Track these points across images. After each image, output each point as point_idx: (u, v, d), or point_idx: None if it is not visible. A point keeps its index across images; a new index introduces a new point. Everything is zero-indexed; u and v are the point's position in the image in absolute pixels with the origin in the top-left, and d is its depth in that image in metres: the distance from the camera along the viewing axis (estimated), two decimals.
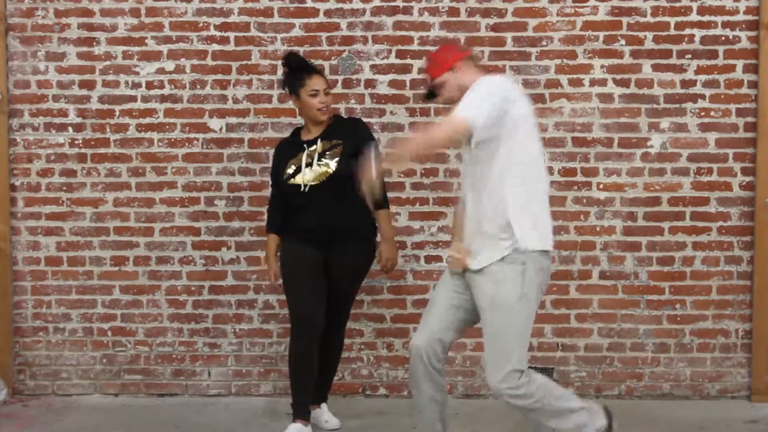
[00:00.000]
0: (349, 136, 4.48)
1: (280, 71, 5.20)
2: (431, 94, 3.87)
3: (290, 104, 5.22)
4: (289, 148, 4.59)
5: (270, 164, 5.22)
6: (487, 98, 3.57)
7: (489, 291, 3.66)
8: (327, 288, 4.53)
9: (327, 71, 5.19)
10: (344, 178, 4.34)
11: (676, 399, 5.20)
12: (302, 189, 4.45)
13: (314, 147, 4.49)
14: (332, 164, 4.44)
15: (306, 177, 4.45)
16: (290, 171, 4.51)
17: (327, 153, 4.47)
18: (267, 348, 5.31)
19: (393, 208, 4.96)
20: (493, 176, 3.65)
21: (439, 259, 5.21)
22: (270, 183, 4.71)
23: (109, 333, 5.32)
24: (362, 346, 5.27)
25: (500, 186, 3.65)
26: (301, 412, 4.59)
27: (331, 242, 4.47)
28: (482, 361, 4.05)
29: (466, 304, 3.81)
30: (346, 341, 5.06)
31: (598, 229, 5.20)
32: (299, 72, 4.52)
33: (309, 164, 4.46)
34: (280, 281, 4.59)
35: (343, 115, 5.06)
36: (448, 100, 3.80)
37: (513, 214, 3.64)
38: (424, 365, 3.78)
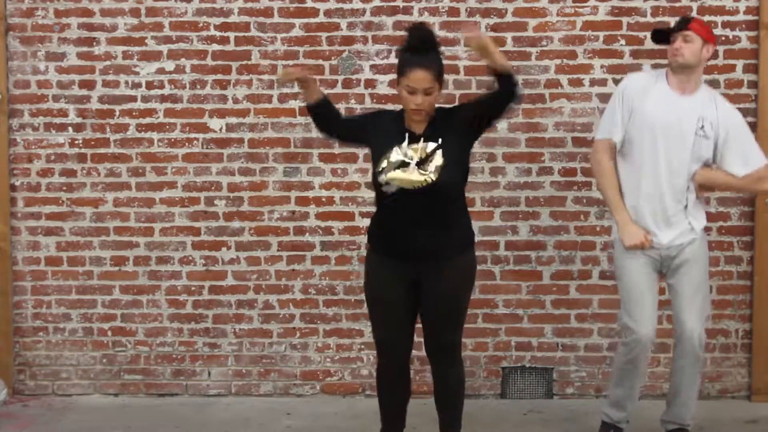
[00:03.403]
0: (454, 132, 3.87)
1: (280, 71, 5.21)
2: (662, 36, 4.29)
3: (290, 104, 5.23)
4: (391, 129, 3.91)
5: (270, 164, 5.25)
6: None
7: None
8: (417, 309, 4.01)
9: (327, 71, 5.20)
10: (448, 187, 3.84)
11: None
12: (391, 191, 3.85)
13: (416, 146, 3.85)
14: (432, 171, 3.80)
15: (400, 177, 3.81)
16: (384, 164, 3.84)
17: (429, 158, 3.83)
18: (267, 348, 5.31)
19: None
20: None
21: None
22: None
23: (109, 333, 5.32)
24: (362, 346, 5.27)
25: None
26: None
27: (420, 261, 3.90)
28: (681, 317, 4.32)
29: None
30: (346, 341, 5.08)
31: (598, 229, 5.20)
32: (410, 55, 3.84)
33: (405, 164, 3.82)
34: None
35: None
36: (679, 56, 4.20)
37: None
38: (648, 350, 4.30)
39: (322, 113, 4.07)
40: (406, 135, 3.86)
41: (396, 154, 3.83)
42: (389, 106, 5.17)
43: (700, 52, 4.26)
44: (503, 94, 3.80)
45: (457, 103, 4.62)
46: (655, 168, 4.24)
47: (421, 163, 3.81)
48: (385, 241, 3.96)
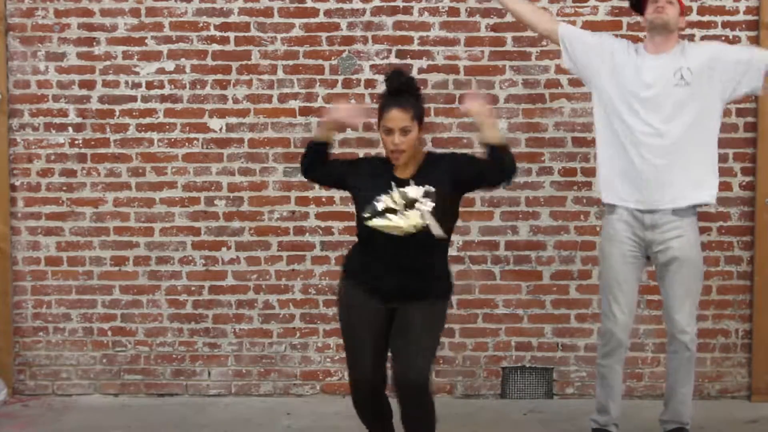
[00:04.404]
0: (446, 181, 3.79)
1: (280, 71, 5.22)
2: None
3: (290, 104, 5.24)
4: (378, 174, 3.84)
5: (270, 164, 5.25)
6: None
7: None
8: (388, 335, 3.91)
9: (327, 71, 5.20)
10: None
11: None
12: (379, 237, 3.73)
13: (403, 191, 3.74)
14: (425, 216, 3.69)
15: (387, 224, 3.69)
16: (370, 211, 3.74)
17: (419, 202, 3.72)
18: (267, 348, 5.31)
19: None
20: None
21: None
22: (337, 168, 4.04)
23: (109, 333, 5.32)
24: None
25: None
26: None
27: (402, 298, 3.84)
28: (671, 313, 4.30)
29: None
30: None
31: (598, 229, 5.19)
32: (386, 100, 3.83)
33: (392, 210, 3.71)
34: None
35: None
36: (663, 14, 4.14)
37: None
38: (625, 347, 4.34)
39: (321, 154, 3.98)
40: (393, 181, 3.78)
41: (383, 201, 3.74)
42: None
43: (677, 18, 4.23)
44: (497, 173, 3.86)
45: (450, 151, 4.43)
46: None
47: (409, 208, 3.71)
48: (363, 279, 3.87)
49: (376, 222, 3.71)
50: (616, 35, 5.12)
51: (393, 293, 3.82)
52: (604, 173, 4.32)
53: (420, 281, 3.81)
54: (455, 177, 3.81)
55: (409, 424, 3.86)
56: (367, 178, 3.85)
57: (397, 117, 3.74)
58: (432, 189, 3.72)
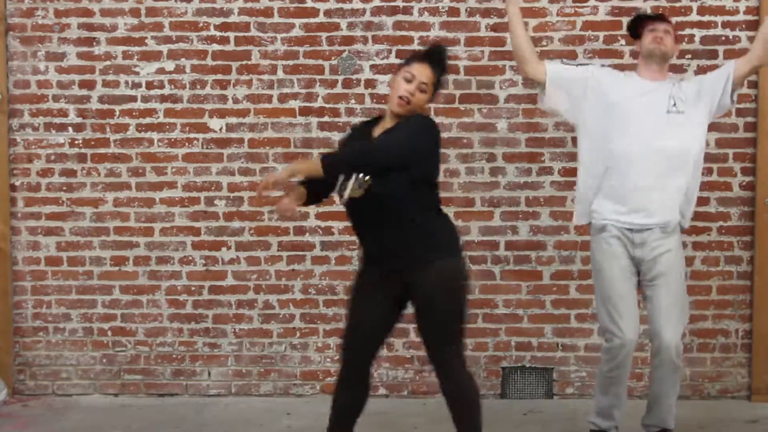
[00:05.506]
0: None
1: (280, 71, 5.22)
2: (637, 28, 4.32)
3: (290, 104, 5.24)
4: (359, 136, 3.86)
5: (270, 164, 5.25)
6: None
7: None
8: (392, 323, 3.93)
9: (327, 71, 5.20)
10: (383, 195, 3.68)
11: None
12: (342, 201, 3.71)
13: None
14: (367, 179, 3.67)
15: (349, 188, 3.65)
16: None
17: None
18: (267, 348, 5.31)
19: None
20: None
21: None
22: None
23: (109, 333, 5.32)
24: None
25: None
26: None
27: (390, 264, 3.79)
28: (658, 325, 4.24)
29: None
30: None
31: None
32: (421, 55, 3.86)
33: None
34: None
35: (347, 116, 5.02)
36: (659, 48, 4.22)
37: None
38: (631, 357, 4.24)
39: (314, 185, 3.85)
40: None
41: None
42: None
43: (674, 47, 4.30)
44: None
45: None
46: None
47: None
48: (360, 245, 3.90)
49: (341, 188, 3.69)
50: (616, 36, 5.15)
51: (379, 252, 3.79)
52: (590, 196, 4.30)
53: (401, 238, 3.73)
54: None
55: (449, 407, 3.85)
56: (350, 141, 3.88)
57: (425, 71, 3.77)
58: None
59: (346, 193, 3.65)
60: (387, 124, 3.84)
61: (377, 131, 3.85)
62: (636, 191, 4.17)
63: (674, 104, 4.21)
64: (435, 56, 3.86)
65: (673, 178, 4.19)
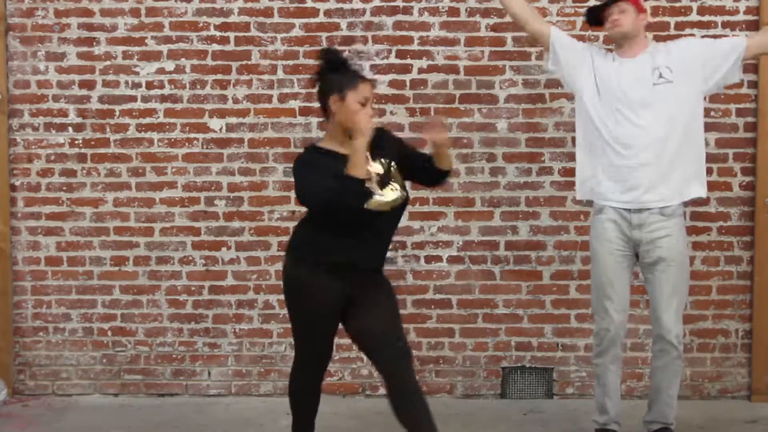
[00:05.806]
0: (394, 154, 3.86)
1: (280, 71, 5.22)
2: (593, 17, 4.33)
3: (290, 104, 5.23)
4: (333, 164, 3.70)
5: (270, 164, 5.25)
6: None
7: None
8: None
9: None
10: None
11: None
12: (375, 215, 3.73)
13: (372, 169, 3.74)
14: (400, 187, 3.81)
15: (377, 202, 3.71)
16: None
17: (390, 174, 3.80)
18: (267, 348, 5.31)
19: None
20: None
21: (439, 259, 5.21)
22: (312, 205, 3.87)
23: (109, 333, 5.32)
24: None
25: None
26: None
27: (365, 275, 3.88)
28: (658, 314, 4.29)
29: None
30: (346, 341, 5.03)
31: None
32: (349, 73, 3.77)
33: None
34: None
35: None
36: (618, 26, 4.19)
37: None
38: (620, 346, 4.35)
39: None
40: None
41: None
42: (389, 106, 5.19)
43: (635, 21, 4.24)
44: (433, 181, 4.05)
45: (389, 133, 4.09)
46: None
47: (383, 184, 3.76)
48: (334, 255, 3.81)
49: (371, 204, 3.70)
50: None
51: (369, 265, 3.93)
52: (587, 174, 4.31)
53: (384, 249, 3.97)
54: (397, 153, 3.87)
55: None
56: (325, 173, 3.67)
57: (370, 89, 3.76)
58: (388, 159, 3.81)
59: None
60: (348, 146, 3.70)
61: (342, 151, 3.74)
62: (631, 168, 4.16)
63: (660, 75, 4.20)
64: (347, 63, 3.78)
65: (669, 150, 4.16)
